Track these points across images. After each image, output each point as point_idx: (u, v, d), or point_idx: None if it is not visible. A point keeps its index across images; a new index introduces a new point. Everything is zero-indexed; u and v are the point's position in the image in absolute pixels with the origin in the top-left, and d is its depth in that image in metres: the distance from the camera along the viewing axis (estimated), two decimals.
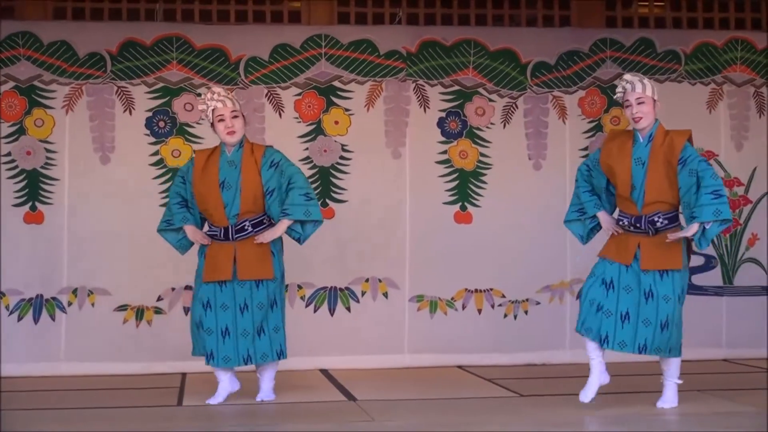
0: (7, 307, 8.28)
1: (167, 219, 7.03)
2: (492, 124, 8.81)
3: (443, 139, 8.76)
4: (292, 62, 8.61)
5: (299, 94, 8.62)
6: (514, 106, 8.82)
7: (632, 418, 6.19)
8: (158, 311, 8.42)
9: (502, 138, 8.79)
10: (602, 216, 6.63)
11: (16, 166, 8.35)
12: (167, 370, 8.27)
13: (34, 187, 8.34)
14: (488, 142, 8.79)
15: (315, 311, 8.58)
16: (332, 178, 8.63)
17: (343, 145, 8.65)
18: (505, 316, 8.73)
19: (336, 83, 8.64)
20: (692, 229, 6.18)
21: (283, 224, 6.73)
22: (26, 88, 8.36)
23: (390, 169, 8.69)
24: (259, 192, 6.74)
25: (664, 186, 6.31)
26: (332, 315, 8.60)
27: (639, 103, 6.38)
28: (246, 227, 6.75)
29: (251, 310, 6.69)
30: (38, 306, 8.31)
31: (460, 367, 8.49)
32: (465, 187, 8.75)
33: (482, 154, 8.78)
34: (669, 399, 6.45)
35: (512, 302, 8.74)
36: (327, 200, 8.61)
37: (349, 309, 8.60)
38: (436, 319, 8.68)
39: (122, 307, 8.38)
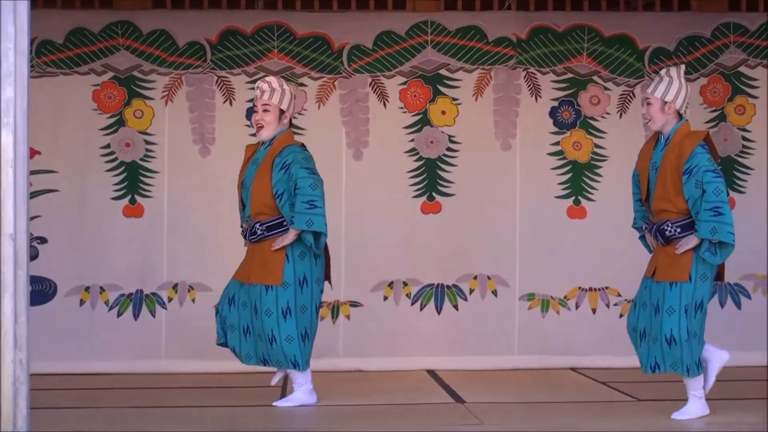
0: (106, 303, 8.33)
1: None
2: (607, 113, 8.61)
3: (555, 129, 8.59)
4: (397, 50, 8.51)
5: (404, 83, 8.51)
6: (630, 94, 8.60)
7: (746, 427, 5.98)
8: None
9: (618, 128, 8.58)
10: (645, 229, 6.36)
11: (116, 158, 8.38)
12: (269, 369, 8.22)
13: (133, 180, 8.37)
14: (603, 132, 8.59)
15: (421, 309, 8.47)
16: (439, 171, 8.51)
17: (450, 136, 8.53)
18: (621, 316, 8.52)
19: (443, 71, 8.52)
20: (692, 242, 6.00)
21: (291, 233, 6.54)
22: (125, 78, 8.39)
23: (499, 162, 8.54)
24: (268, 194, 6.60)
25: (670, 193, 6.07)
26: (439, 313, 8.48)
27: (647, 104, 6.19)
28: (256, 230, 6.65)
29: (260, 315, 6.59)
30: (138, 302, 8.34)
31: (573, 369, 8.32)
32: (578, 180, 8.57)
33: (597, 146, 8.59)
34: (685, 411, 6.17)
35: (629, 301, 8.53)
36: (433, 194, 8.49)
37: (456, 307, 8.47)
38: (548, 318, 8.51)
39: None
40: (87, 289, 8.32)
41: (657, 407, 6.55)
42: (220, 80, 8.44)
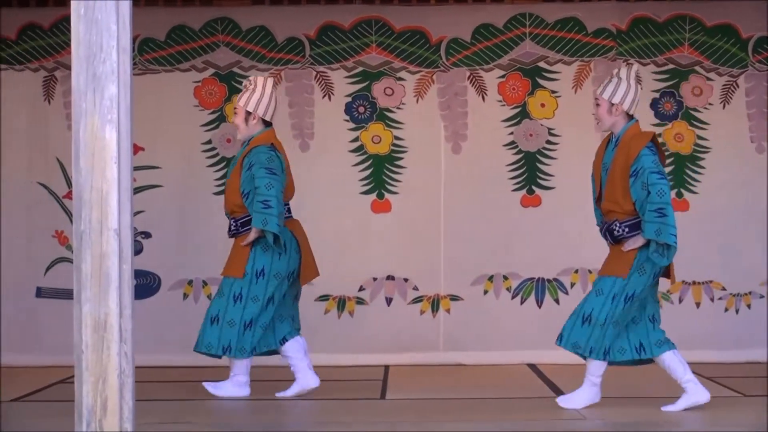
0: (209, 297, 8.41)
1: None
2: (710, 104, 8.47)
3: (657, 121, 8.48)
4: (495, 43, 8.47)
5: (503, 76, 8.47)
6: (734, 85, 8.46)
7: None
8: (360, 302, 8.43)
9: (722, 119, 8.44)
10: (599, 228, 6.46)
11: (217, 154, 8.47)
12: (369, 362, 8.27)
13: None
14: (706, 123, 8.46)
15: (522, 303, 8.43)
16: (538, 164, 8.45)
17: (549, 129, 8.47)
18: (726, 310, 8.39)
19: (541, 64, 8.46)
20: (638, 241, 6.09)
21: (253, 230, 6.74)
22: (225, 74, 8.48)
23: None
24: (237, 194, 6.82)
25: (618, 194, 6.15)
26: (540, 307, 8.43)
27: (596, 105, 6.31)
28: (231, 226, 6.91)
29: (221, 296, 6.85)
30: None
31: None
32: (681, 172, 8.45)
33: (699, 137, 8.46)
34: (572, 397, 6.32)
35: (733, 295, 8.39)
36: (533, 187, 8.44)
37: (557, 301, 8.42)
38: None
39: (323, 297, 8.42)
40: (190, 282, 8.44)
41: (764, 403, 6.44)
42: (318, 75, 8.48)
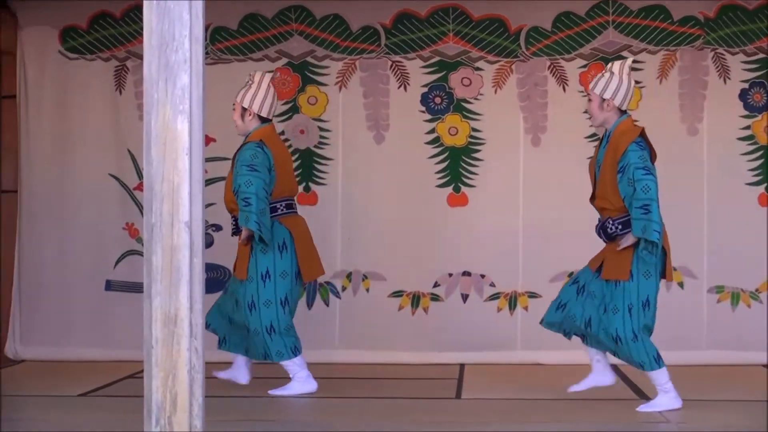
0: None
1: None
2: None
3: (746, 113, 8.33)
4: (577, 31, 8.38)
5: (584, 66, 8.38)
6: None
7: None
8: (435, 298, 8.39)
9: None
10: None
11: (290, 146, 8.48)
12: (444, 361, 8.23)
13: (307, 167, 8.46)
14: None
15: None
16: None
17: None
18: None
19: (625, 53, 8.35)
20: (630, 239, 6.13)
21: (244, 229, 6.80)
22: (299, 64, 8.48)
23: (685, 147, 8.32)
24: (230, 191, 6.90)
25: (608, 191, 6.21)
26: None
27: (588, 101, 6.38)
28: (232, 224, 7.00)
29: (239, 306, 6.89)
30: (312, 291, 8.43)
31: (766, 366, 8.07)
32: None
33: None
34: (654, 403, 6.29)
35: None
36: None
37: None
38: (739, 312, 8.27)
39: (397, 293, 8.40)
40: None
41: None
42: (394, 65, 8.45)
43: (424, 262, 8.39)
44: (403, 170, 8.42)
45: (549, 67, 8.41)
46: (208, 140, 8.26)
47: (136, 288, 8.29)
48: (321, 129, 8.47)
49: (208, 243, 8.36)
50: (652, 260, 6.10)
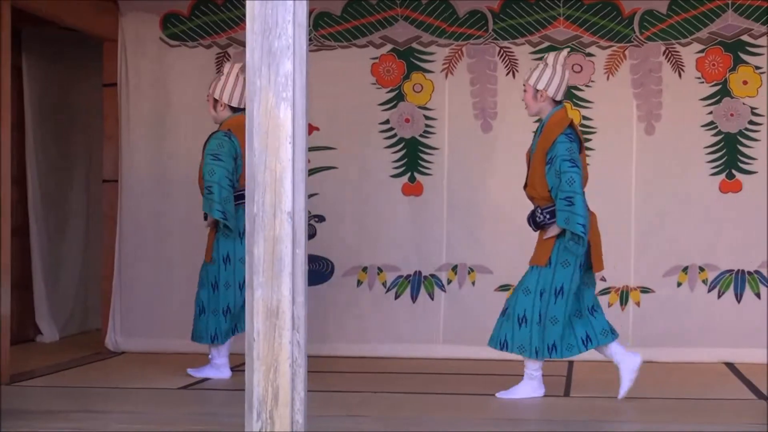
0: (383, 284, 8.46)
1: None
2: None
3: None
4: (694, 15, 8.27)
5: (702, 51, 8.26)
6: None
7: None
8: None
9: None
10: None
11: (395, 135, 8.50)
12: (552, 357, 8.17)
13: (413, 157, 8.47)
14: None
15: (719, 297, 8.23)
16: (739, 146, 8.23)
17: (752, 108, 8.23)
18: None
19: (745, 38, 8.23)
20: (555, 229, 6.42)
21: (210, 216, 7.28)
22: (404, 50, 8.49)
23: None
24: (201, 179, 7.33)
25: (537, 180, 6.48)
26: (739, 302, 8.21)
27: (524, 91, 6.64)
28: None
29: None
30: (416, 284, 8.44)
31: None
32: None
33: None
34: (515, 390, 6.55)
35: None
36: (733, 171, 8.22)
37: (758, 295, 8.19)
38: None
39: (504, 287, 8.37)
40: (364, 269, 8.49)
41: None
42: (502, 51, 8.42)
43: (530, 254, 8.32)
44: (511, 160, 8.37)
45: (664, 52, 8.31)
46: (310, 129, 8.32)
47: None
48: (426, 117, 8.47)
49: (311, 234, 8.41)
50: (578, 251, 6.36)
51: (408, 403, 6.57)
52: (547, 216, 6.48)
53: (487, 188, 8.39)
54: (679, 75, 8.29)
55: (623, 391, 6.50)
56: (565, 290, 6.41)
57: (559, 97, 6.56)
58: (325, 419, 5.72)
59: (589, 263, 6.50)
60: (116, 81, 8.72)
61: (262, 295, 4.52)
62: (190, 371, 7.36)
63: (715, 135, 8.25)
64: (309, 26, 4.70)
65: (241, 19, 8.40)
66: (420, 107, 8.47)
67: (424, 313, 8.40)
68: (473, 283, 8.39)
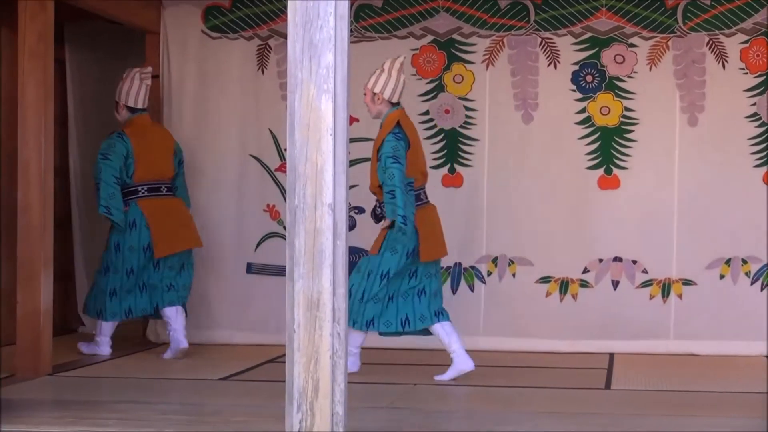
0: None
1: None
2: None
3: None
4: (738, 5, 8.22)
5: (746, 42, 8.20)
6: None
7: None
8: (584, 284, 8.33)
9: None
10: None
11: (435, 126, 8.49)
12: (593, 350, 8.17)
13: (452, 148, 8.47)
14: None
15: (762, 289, 8.19)
16: None
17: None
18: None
19: None
20: (386, 221, 7.03)
21: None
22: (445, 42, 8.48)
23: None
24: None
25: (373, 176, 7.08)
26: None
27: (364, 94, 7.18)
28: None
29: None
30: (456, 275, 8.44)
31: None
32: None
33: None
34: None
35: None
36: None
37: None
38: None
39: (545, 279, 8.36)
40: None
41: None
42: (544, 42, 8.39)
43: (573, 247, 8.33)
44: (552, 151, 8.37)
45: (708, 43, 8.25)
46: (351, 120, 8.32)
47: (277, 271, 8.40)
48: (467, 108, 8.46)
49: (351, 226, 8.43)
50: (402, 239, 6.95)
51: (448, 395, 6.58)
52: (384, 209, 7.06)
53: (528, 179, 8.37)
54: (723, 66, 8.24)
55: (441, 377, 6.99)
56: (390, 274, 6.99)
57: (395, 99, 7.09)
58: (365, 411, 5.73)
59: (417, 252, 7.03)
60: (158, 73, 8.76)
61: (302, 287, 4.54)
62: (80, 346, 8.08)
63: (759, 126, 8.19)
64: (350, 18, 4.71)
65: (282, 11, 8.42)
66: (460, 98, 8.47)
67: (464, 305, 8.39)
68: (514, 275, 8.38)
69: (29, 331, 7.03)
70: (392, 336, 7.31)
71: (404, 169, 6.90)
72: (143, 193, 7.97)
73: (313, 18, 4.52)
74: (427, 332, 7.15)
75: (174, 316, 7.94)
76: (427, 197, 7.19)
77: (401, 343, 8.25)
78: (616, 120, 8.33)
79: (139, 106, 8.01)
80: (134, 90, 7.97)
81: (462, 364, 6.94)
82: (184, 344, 7.88)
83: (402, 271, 7.02)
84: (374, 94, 7.08)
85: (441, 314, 7.08)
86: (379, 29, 8.52)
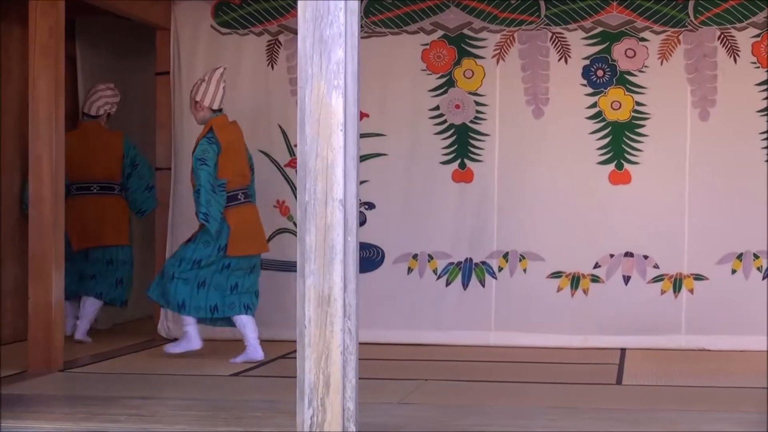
0: (434, 271, 8.47)
1: None
2: None
3: None
4: None
5: (758, 36, 8.18)
6: None
7: None
8: (595, 279, 8.32)
9: None
10: None
11: (445, 121, 8.49)
12: (604, 345, 8.17)
13: (463, 143, 8.46)
14: None
15: None
16: None
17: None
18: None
19: None
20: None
21: None
22: (455, 37, 8.47)
23: None
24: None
25: (191, 176, 7.67)
26: None
27: (190, 104, 7.84)
28: None
29: None
30: (467, 271, 8.43)
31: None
32: None
33: None
34: (177, 344, 7.76)
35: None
36: None
37: None
38: None
39: (556, 274, 8.35)
40: (415, 256, 8.49)
41: None
42: (554, 36, 8.38)
43: (584, 242, 8.32)
44: (563, 146, 8.36)
45: (719, 37, 8.23)
46: (361, 116, 8.33)
47: (288, 267, 8.41)
48: (477, 104, 8.45)
49: (361, 221, 8.43)
50: (209, 235, 7.48)
51: (459, 390, 6.58)
52: None
53: (538, 174, 8.36)
54: (735, 60, 8.22)
55: (235, 359, 7.54)
56: (202, 263, 7.52)
57: (215, 106, 7.62)
58: (376, 406, 5.74)
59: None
60: (169, 69, 8.77)
61: (313, 283, 4.54)
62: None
63: None
64: (360, 13, 4.71)
65: (292, 7, 8.42)
66: (470, 93, 8.46)
67: (475, 300, 8.40)
68: (525, 270, 8.38)
69: (41, 325, 7.04)
70: (205, 323, 7.78)
71: (211, 171, 7.45)
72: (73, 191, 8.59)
73: (323, 13, 4.52)
74: (231, 323, 7.71)
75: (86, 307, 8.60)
76: (247, 197, 7.69)
77: (410, 339, 8.27)
78: (627, 115, 8.31)
79: (90, 112, 8.66)
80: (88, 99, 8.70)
81: (254, 353, 7.55)
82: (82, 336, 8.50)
83: (215, 262, 7.55)
84: (195, 102, 7.65)
85: (249, 309, 7.65)
86: (390, 24, 8.52)
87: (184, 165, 8.70)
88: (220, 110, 7.65)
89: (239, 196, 7.64)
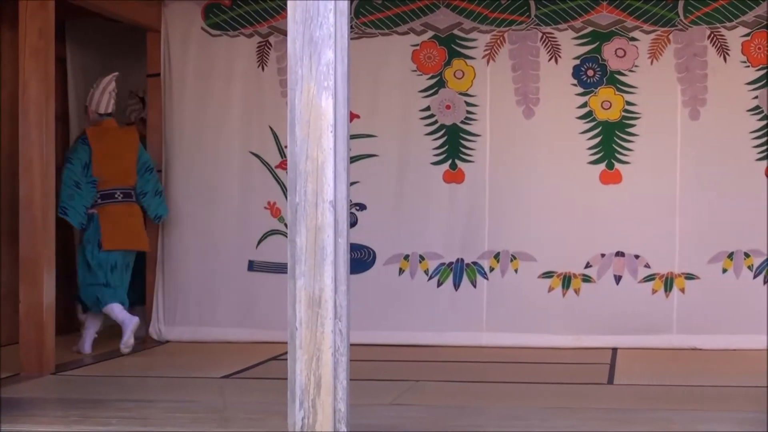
0: (426, 272, 8.47)
1: None
2: None
3: None
4: None
5: (747, 35, 8.20)
6: None
7: None
8: (587, 279, 8.33)
9: None
10: None
11: (435, 121, 8.49)
12: (595, 344, 8.17)
13: (454, 144, 8.46)
14: None
15: (765, 283, 8.19)
16: None
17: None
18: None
19: None
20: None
21: None
22: (445, 37, 8.48)
23: None
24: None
25: None
26: None
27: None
28: None
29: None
30: (459, 271, 8.44)
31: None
32: None
33: None
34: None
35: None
36: None
37: None
38: None
39: (547, 274, 8.36)
40: (406, 257, 8.50)
41: None
42: (544, 36, 8.39)
43: (576, 242, 8.33)
44: (554, 146, 8.36)
45: (709, 36, 8.25)
46: (351, 117, 8.32)
47: (279, 268, 8.41)
48: (468, 104, 8.46)
49: (352, 222, 8.43)
50: (87, 231, 8.08)
51: (451, 391, 6.58)
52: None
53: (529, 175, 8.37)
54: (724, 59, 8.24)
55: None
56: (90, 263, 8.05)
57: (101, 111, 8.16)
58: (368, 407, 5.74)
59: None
60: (159, 71, 8.77)
61: (304, 284, 4.54)
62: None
63: (760, 120, 8.19)
64: (350, 14, 4.71)
65: (282, 8, 8.42)
66: (461, 93, 8.47)
67: (466, 301, 8.40)
68: (516, 271, 8.38)
69: (32, 328, 7.03)
70: (94, 313, 8.20)
71: (75, 169, 7.98)
72: None
73: (313, 15, 4.52)
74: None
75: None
76: (123, 196, 8.19)
77: (402, 340, 8.27)
78: (617, 114, 8.33)
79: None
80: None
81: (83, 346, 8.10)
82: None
83: (103, 260, 8.07)
84: (86, 107, 8.24)
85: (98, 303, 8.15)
86: (380, 25, 8.52)
87: (175, 167, 8.70)
88: (109, 114, 8.20)
89: (116, 195, 8.19)
